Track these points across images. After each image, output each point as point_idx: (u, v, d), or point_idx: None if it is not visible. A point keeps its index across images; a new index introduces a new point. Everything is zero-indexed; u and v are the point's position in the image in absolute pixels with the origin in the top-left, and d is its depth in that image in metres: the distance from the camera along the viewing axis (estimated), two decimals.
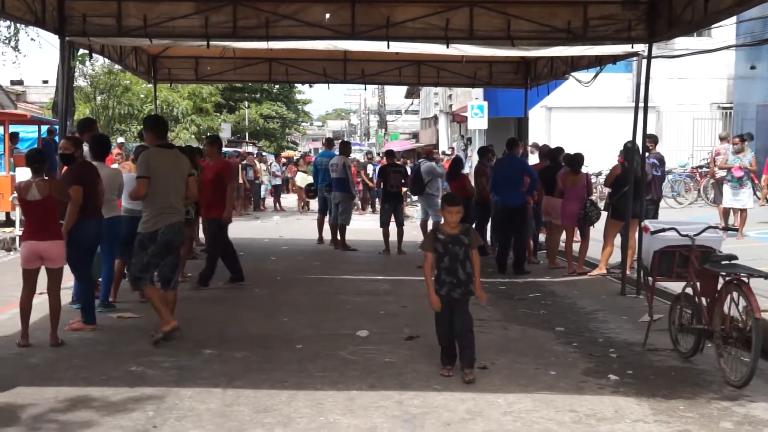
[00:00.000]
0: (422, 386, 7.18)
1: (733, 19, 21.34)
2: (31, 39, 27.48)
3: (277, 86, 55.07)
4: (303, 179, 29.94)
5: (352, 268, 15.10)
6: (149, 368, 7.74)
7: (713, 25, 18.66)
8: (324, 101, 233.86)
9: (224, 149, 37.22)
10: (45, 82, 48.15)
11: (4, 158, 20.14)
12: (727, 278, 7.47)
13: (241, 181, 28.77)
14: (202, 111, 37.03)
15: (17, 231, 17.13)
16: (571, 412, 6.53)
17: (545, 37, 12.05)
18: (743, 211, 16.99)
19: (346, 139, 30.81)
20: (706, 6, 9.98)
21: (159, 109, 27.73)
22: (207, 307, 10.94)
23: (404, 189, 18.16)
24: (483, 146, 18.08)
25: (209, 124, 38.02)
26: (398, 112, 79.72)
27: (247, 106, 55.62)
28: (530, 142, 21.82)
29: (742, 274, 7.33)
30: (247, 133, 57.49)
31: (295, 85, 50.34)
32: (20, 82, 47.65)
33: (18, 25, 24.60)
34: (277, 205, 32.41)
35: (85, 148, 10.11)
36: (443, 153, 35.39)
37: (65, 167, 9.60)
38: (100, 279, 10.38)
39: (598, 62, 13.89)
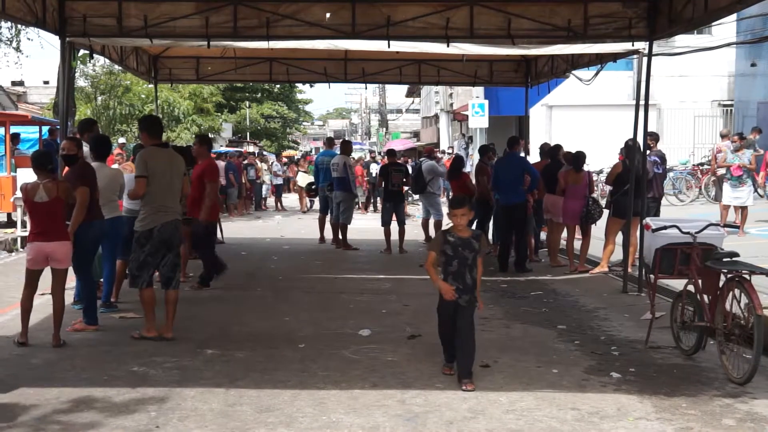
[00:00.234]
0: (424, 385, 7.18)
1: (734, 16, 21.35)
2: (29, 38, 27.44)
3: (277, 86, 55.09)
4: (304, 179, 29.94)
5: (354, 267, 15.11)
6: (151, 368, 7.75)
7: (714, 23, 18.67)
8: (325, 101, 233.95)
9: (226, 149, 37.49)
10: (46, 82, 48.16)
11: (5, 159, 20.13)
12: (729, 275, 7.47)
13: (242, 180, 28.86)
14: (203, 111, 37.01)
15: (19, 232, 17.14)
16: (573, 410, 6.53)
17: (546, 35, 12.06)
18: (744, 208, 16.98)
19: (347, 139, 30.82)
20: (706, 3, 9.98)
21: (160, 109, 27.72)
22: (209, 307, 10.94)
23: (405, 188, 18.15)
24: (484, 145, 18.08)
25: (210, 124, 38.00)
26: (399, 111, 79.75)
27: (248, 105, 55.62)
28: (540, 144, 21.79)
29: (743, 271, 7.33)
30: (248, 133, 57.50)
31: (296, 84, 50.39)
32: (21, 83, 47.66)
33: (18, 25, 24.59)
34: (279, 204, 32.43)
35: (85, 148, 10.11)
36: (442, 152, 35.36)
37: (66, 168, 9.61)
38: (101, 280, 10.39)
39: (599, 60, 13.89)
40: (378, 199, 27.67)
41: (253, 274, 14.13)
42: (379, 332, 9.33)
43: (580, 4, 11.82)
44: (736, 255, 7.77)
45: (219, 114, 43.72)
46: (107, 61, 20.24)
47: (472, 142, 36.80)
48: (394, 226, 16.99)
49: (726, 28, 23.95)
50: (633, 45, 11.91)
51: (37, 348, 8.46)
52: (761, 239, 15.64)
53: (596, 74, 14.62)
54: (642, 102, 11.89)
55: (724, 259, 7.72)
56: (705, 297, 7.89)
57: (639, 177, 12.18)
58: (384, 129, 75.91)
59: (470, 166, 27.41)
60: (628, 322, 9.98)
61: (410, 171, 19.06)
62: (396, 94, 75.70)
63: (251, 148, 44.69)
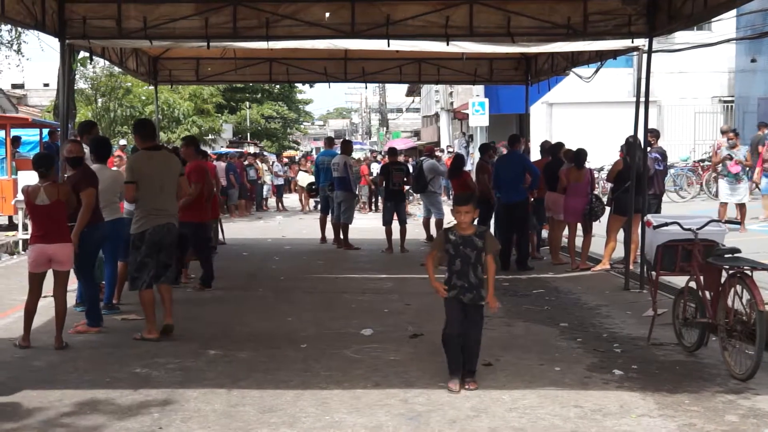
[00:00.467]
0: (427, 384, 7.18)
1: (733, 12, 21.38)
2: (24, 42, 27.37)
3: (277, 86, 55.09)
4: (305, 179, 29.95)
5: (356, 266, 15.11)
6: (154, 370, 7.75)
7: (713, 19, 18.67)
8: (325, 100, 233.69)
9: (226, 150, 37.51)
10: (46, 85, 48.20)
11: (6, 162, 20.13)
12: (731, 271, 7.46)
13: (243, 181, 28.86)
14: (204, 112, 37.02)
15: (20, 235, 17.14)
16: (576, 408, 6.53)
17: (545, 33, 12.06)
18: (742, 205, 17.00)
19: (347, 138, 30.81)
20: None
21: (160, 110, 27.74)
22: (211, 308, 10.95)
23: (406, 187, 18.16)
24: (484, 143, 18.09)
25: (210, 125, 38.02)
26: (399, 111, 79.73)
27: (248, 106, 55.63)
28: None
29: (745, 267, 7.33)
30: (248, 134, 57.52)
31: (296, 84, 50.45)
32: (21, 86, 47.70)
33: (18, 28, 24.59)
34: (280, 204, 32.43)
35: (86, 150, 10.12)
36: (441, 150, 35.33)
37: (67, 171, 9.62)
38: (103, 282, 10.39)
39: (599, 57, 13.88)
40: (379, 198, 27.67)
41: (254, 274, 14.14)
42: (381, 332, 9.33)
43: (580, 2, 11.82)
44: (738, 251, 7.77)
45: (219, 115, 43.74)
46: (107, 63, 20.24)
47: (472, 140, 36.80)
48: (395, 225, 16.99)
49: (726, 24, 23.98)
50: (633, 42, 11.90)
51: (40, 350, 8.46)
52: (763, 235, 15.63)
53: (596, 71, 14.61)
54: (642, 99, 11.87)
55: (726, 256, 7.72)
56: (707, 293, 7.89)
57: (640, 174, 12.16)
58: (384, 128, 75.90)
59: (471, 165, 27.42)
60: (630, 319, 9.98)
61: (411, 170, 19.05)
62: (396, 93, 75.80)
63: (252, 149, 44.70)
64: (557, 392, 6.94)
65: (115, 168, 12.35)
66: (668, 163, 16.40)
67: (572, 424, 6.16)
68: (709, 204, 21.35)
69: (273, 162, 35.88)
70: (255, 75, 18.38)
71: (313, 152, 63.65)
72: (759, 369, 7.03)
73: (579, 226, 14.18)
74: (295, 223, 25.14)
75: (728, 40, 22.45)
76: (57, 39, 11.64)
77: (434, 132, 52.30)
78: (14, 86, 47.41)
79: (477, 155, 20.10)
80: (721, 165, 17.56)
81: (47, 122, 23.53)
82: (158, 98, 21.13)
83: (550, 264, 14.59)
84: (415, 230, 18.88)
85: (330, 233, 18.32)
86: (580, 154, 14.06)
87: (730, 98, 30.91)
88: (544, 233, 16.01)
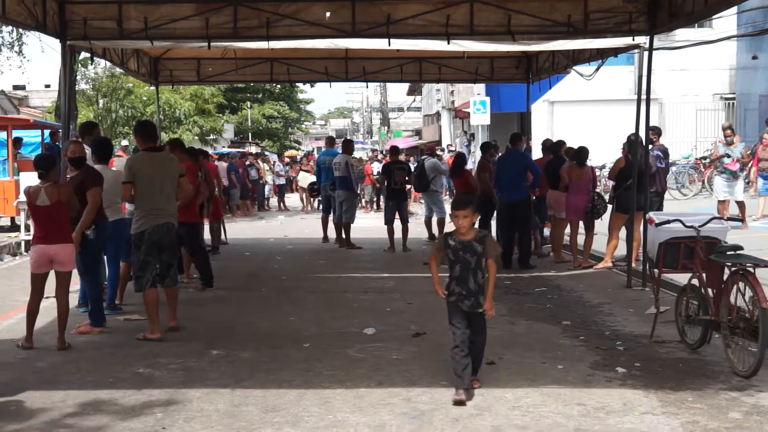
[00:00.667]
0: (430, 382, 7.17)
1: (734, 9, 21.28)
2: (25, 43, 27.28)
3: (278, 86, 55.09)
4: (305, 179, 29.95)
5: (358, 266, 15.11)
6: (157, 370, 7.75)
7: (714, 16, 18.62)
8: (326, 100, 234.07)
9: (227, 150, 37.51)
10: (47, 86, 48.20)
11: (8, 163, 20.14)
12: (733, 269, 7.46)
13: (245, 181, 28.86)
14: (205, 112, 37.04)
15: (23, 236, 17.15)
16: (579, 406, 6.53)
17: (546, 31, 12.06)
18: (740, 202, 17.04)
19: (348, 138, 30.80)
20: None
21: (161, 111, 27.74)
22: (213, 308, 10.95)
23: (408, 186, 18.15)
24: (485, 142, 18.08)
25: (212, 125, 38.04)
26: (401, 110, 79.70)
27: (249, 106, 55.64)
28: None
29: (747, 264, 7.32)
30: (250, 134, 57.53)
31: (297, 84, 50.45)
32: (22, 87, 47.70)
33: (19, 29, 24.59)
34: (282, 204, 32.44)
35: (87, 151, 10.13)
36: (442, 149, 35.31)
37: (69, 171, 9.64)
38: (105, 282, 10.40)
39: (600, 55, 13.87)
40: (381, 197, 27.66)
41: (256, 274, 14.14)
42: (383, 331, 9.33)
43: (580, 0, 11.81)
44: (740, 248, 7.76)
45: (220, 115, 43.77)
46: (109, 64, 20.25)
47: (474, 139, 36.80)
48: (397, 224, 16.99)
49: (726, 21, 23.95)
50: (634, 39, 11.90)
51: (43, 351, 8.47)
52: (764, 232, 15.63)
53: (597, 69, 14.60)
54: (644, 96, 11.86)
55: (728, 253, 7.71)
56: (709, 291, 7.88)
57: (642, 171, 12.16)
58: (386, 127, 75.89)
59: (472, 164, 27.41)
60: (633, 316, 9.97)
61: (412, 169, 19.05)
62: (397, 92, 75.86)
63: (253, 149, 44.70)
64: (560, 390, 6.94)
65: (115, 168, 12.36)
66: (670, 161, 16.38)
67: (575, 422, 6.16)
68: (711, 201, 21.30)
69: (274, 162, 35.88)
70: (256, 75, 18.39)
71: (315, 152, 63.68)
72: (762, 366, 7.01)
73: (581, 224, 14.18)
74: (296, 223, 25.14)
75: (729, 37, 22.41)
76: (58, 40, 11.65)
77: (435, 131, 52.31)
78: (16, 87, 47.42)
79: (478, 154, 20.09)
80: (717, 162, 17.59)
81: (49, 123, 23.54)
82: (159, 99, 21.12)
83: (552, 262, 14.58)
84: (417, 229, 18.89)
85: (332, 232, 18.33)
86: (582, 152, 14.06)
87: (731, 95, 30.90)
88: (546, 231, 16.00)
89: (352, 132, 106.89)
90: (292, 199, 33.79)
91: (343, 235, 17.69)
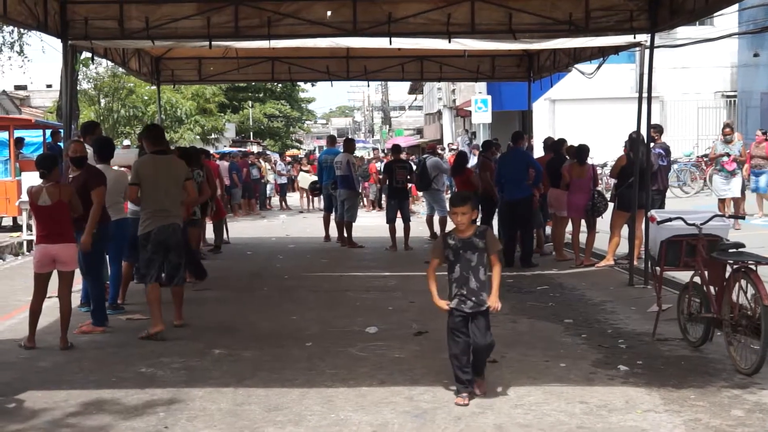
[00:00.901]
0: (432, 381, 7.17)
1: (735, 7, 21.29)
2: (27, 44, 27.29)
3: (280, 85, 55.09)
4: (305, 179, 29.93)
5: (360, 265, 15.11)
6: (159, 369, 7.76)
7: (715, 14, 18.62)
8: (327, 99, 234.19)
9: (229, 149, 37.50)
10: (49, 86, 48.26)
11: (10, 163, 20.15)
12: (735, 266, 7.46)
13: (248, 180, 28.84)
14: (206, 111, 37.06)
15: (25, 236, 17.16)
16: (581, 404, 6.53)
17: (547, 29, 12.06)
18: (735, 199, 17.09)
19: (350, 137, 30.78)
20: None
21: (162, 110, 27.75)
22: (215, 308, 10.96)
23: (409, 184, 18.15)
24: (487, 140, 18.08)
25: (213, 125, 38.05)
26: (402, 108, 79.63)
27: (251, 105, 55.64)
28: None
29: (749, 262, 7.32)
30: (251, 133, 57.53)
31: (299, 83, 50.42)
32: (24, 87, 47.74)
33: (20, 29, 24.60)
34: (283, 203, 32.42)
35: (89, 151, 10.13)
36: (443, 149, 35.29)
37: (71, 171, 9.64)
38: (107, 282, 10.40)
39: (601, 53, 13.87)
40: (382, 196, 27.64)
41: (258, 273, 14.15)
42: (385, 329, 9.33)
43: None
44: (742, 246, 7.76)
45: (222, 114, 43.79)
46: (111, 63, 20.26)
47: (475, 137, 36.79)
48: (399, 222, 16.99)
49: (728, 19, 23.93)
50: (635, 37, 11.89)
51: (45, 351, 8.47)
52: (765, 230, 15.62)
53: (598, 67, 14.60)
54: (645, 94, 11.86)
55: (730, 250, 7.71)
56: (711, 288, 7.88)
57: (643, 169, 12.15)
58: (387, 126, 75.86)
59: (475, 159, 27.39)
60: (635, 314, 9.98)
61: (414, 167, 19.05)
62: (399, 91, 75.59)
63: (255, 148, 44.71)
64: (562, 388, 6.94)
65: (116, 168, 12.37)
66: (671, 159, 16.36)
67: (578, 420, 6.16)
68: (713, 199, 21.26)
69: (276, 161, 35.88)
70: (257, 74, 18.42)
71: (316, 151, 63.62)
72: (764, 363, 7.01)
73: (583, 222, 14.18)
74: (298, 222, 25.15)
75: (730, 35, 22.42)
76: (59, 40, 11.66)
77: (437, 129, 52.31)
78: (17, 87, 47.50)
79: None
80: (716, 161, 17.62)
81: (50, 123, 23.56)
82: (161, 98, 21.14)
83: (554, 260, 14.58)
84: (419, 228, 18.89)
85: (334, 231, 18.33)
86: (582, 150, 14.06)
87: (732, 93, 30.87)
88: (548, 229, 16.00)
89: (353, 131, 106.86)
90: (294, 198, 33.78)
91: (345, 234, 17.70)
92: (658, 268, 8.68)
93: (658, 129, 14.16)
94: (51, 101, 38.04)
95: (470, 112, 31.44)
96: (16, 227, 19.34)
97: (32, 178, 14.02)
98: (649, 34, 11.75)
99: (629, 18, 11.75)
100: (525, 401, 6.61)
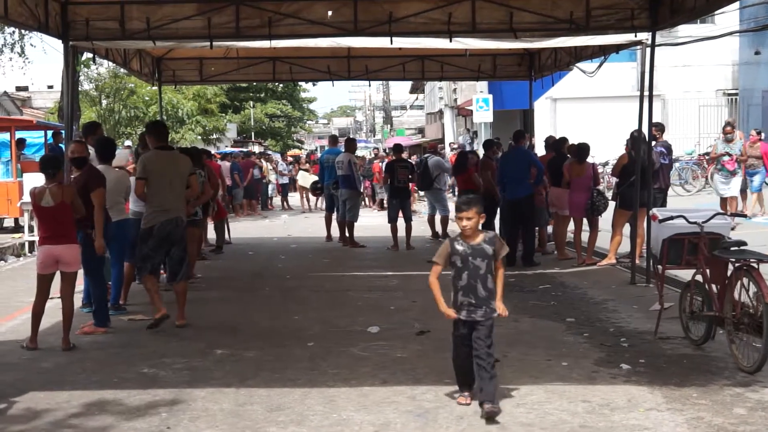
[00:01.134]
0: (434, 381, 7.17)
1: (736, 4, 21.31)
2: (32, 45, 27.39)
3: (281, 85, 55.11)
4: (305, 178, 29.91)
5: (361, 264, 15.11)
6: (161, 370, 7.76)
7: (716, 12, 18.62)
8: (329, 99, 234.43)
9: (230, 149, 37.48)
10: (50, 87, 48.28)
11: (11, 164, 20.16)
12: (737, 264, 7.45)
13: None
14: (207, 112, 37.08)
15: (26, 237, 17.17)
16: (584, 402, 6.53)
17: (548, 28, 12.06)
18: (733, 198, 17.10)
19: (351, 136, 30.76)
20: None
21: (164, 111, 27.76)
22: (217, 308, 10.96)
23: (411, 184, 18.14)
24: (488, 139, 18.07)
25: (215, 125, 38.06)
26: (403, 108, 79.63)
27: (252, 105, 55.65)
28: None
29: (751, 260, 7.31)
30: (252, 133, 57.54)
31: (300, 83, 50.44)
32: (25, 88, 47.76)
33: (21, 30, 24.63)
34: (285, 203, 32.41)
35: (91, 151, 10.15)
36: (442, 147, 35.25)
37: (73, 171, 9.66)
38: (109, 282, 10.41)
39: (602, 52, 13.86)
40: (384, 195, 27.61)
41: (260, 273, 14.15)
42: (387, 329, 9.33)
43: None
44: (744, 244, 7.75)
45: (223, 114, 43.80)
46: (111, 64, 20.28)
47: (477, 137, 36.78)
48: (400, 222, 16.99)
49: (729, 17, 23.92)
50: (636, 36, 11.89)
51: (47, 352, 8.48)
52: (767, 228, 15.60)
53: (599, 66, 14.60)
54: (646, 93, 11.87)
55: (732, 249, 7.70)
56: (713, 286, 7.88)
57: (645, 168, 12.14)
58: (389, 126, 75.86)
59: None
60: (637, 313, 9.97)
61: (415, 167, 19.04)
62: (400, 90, 75.56)
63: (256, 148, 44.71)
64: (565, 387, 6.94)
65: (118, 168, 12.38)
66: (673, 157, 16.36)
67: (580, 419, 6.16)
68: (715, 197, 21.26)
69: (277, 162, 35.89)
70: (258, 74, 18.42)
71: (318, 151, 63.63)
72: (767, 362, 7.02)
73: (585, 221, 14.17)
74: (300, 222, 25.15)
75: (731, 33, 22.40)
76: (61, 41, 11.66)
77: (438, 129, 52.28)
78: (19, 88, 47.51)
79: (481, 152, 20.07)
80: (716, 160, 17.63)
81: (52, 124, 23.56)
82: (162, 98, 21.16)
83: (556, 259, 14.57)
84: (421, 227, 18.89)
85: (335, 231, 18.33)
86: (582, 149, 14.05)
87: (734, 91, 30.86)
88: (550, 229, 15.99)
89: (355, 131, 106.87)
90: (296, 198, 33.77)
91: (347, 234, 17.70)
92: (660, 267, 8.68)
93: (660, 127, 14.14)
94: (52, 102, 38.07)
95: (471, 111, 31.44)
96: (17, 228, 19.34)
97: (33, 179, 14.06)
98: (650, 33, 11.75)
99: (630, 16, 11.75)
100: (527, 400, 6.60)
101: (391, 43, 11.97)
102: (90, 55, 13.45)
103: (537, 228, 15.15)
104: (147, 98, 31.61)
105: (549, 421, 6.13)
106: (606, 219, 13.94)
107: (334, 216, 18.45)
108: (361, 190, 20.41)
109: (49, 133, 21.55)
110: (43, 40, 38.06)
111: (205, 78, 18.41)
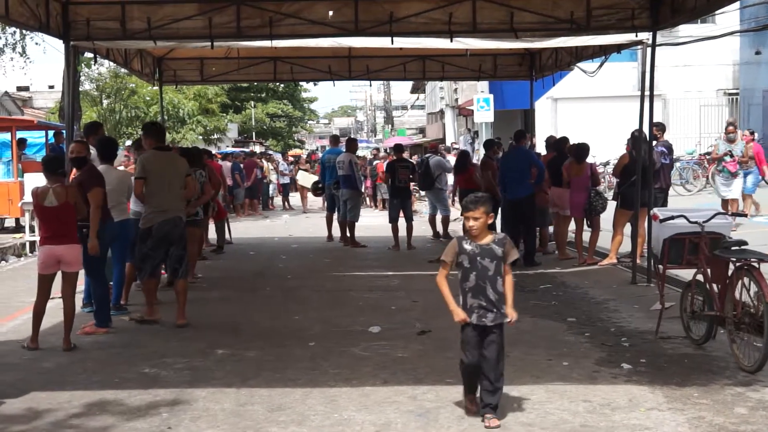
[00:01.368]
0: (435, 380, 7.17)
1: (737, 4, 21.32)
2: (36, 43, 27.45)
3: (282, 85, 55.08)
4: (305, 178, 29.90)
5: (362, 264, 15.11)
6: (162, 370, 7.76)
7: (717, 11, 18.61)
8: (330, 98, 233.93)
9: (231, 149, 37.47)
10: (51, 87, 48.27)
11: (12, 164, 20.16)
12: (738, 264, 7.45)
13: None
14: (208, 112, 37.07)
15: (27, 237, 17.18)
16: (585, 402, 6.52)
17: (549, 28, 12.06)
18: (734, 200, 17.11)
19: (352, 136, 30.75)
20: None
21: (165, 110, 27.76)
22: (218, 307, 10.97)
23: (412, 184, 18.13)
24: (488, 139, 18.08)
25: (216, 125, 38.06)
26: (404, 108, 79.66)
27: (253, 105, 55.64)
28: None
29: (752, 260, 7.31)
30: (254, 133, 57.52)
31: (301, 83, 50.42)
32: (26, 88, 47.75)
33: (23, 30, 24.64)
34: (286, 203, 32.40)
35: (93, 151, 10.16)
36: (446, 148, 35.23)
37: (73, 171, 9.66)
38: (111, 283, 10.41)
39: (603, 52, 13.87)
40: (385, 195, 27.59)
41: (261, 273, 14.15)
42: (388, 329, 9.33)
43: None
44: (745, 243, 7.75)
45: (224, 114, 43.78)
46: (112, 64, 20.28)
47: (477, 136, 36.78)
48: (401, 222, 16.99)
49: (729, 17, 23.92)
50: (636, 36, 11.89)
51: (48, 352, 8.48)
52: (767, 227, 15.62)
53: (600, 66, 14.60)
54: (647, 93, 11.87)
55: (733, 248, 7.70)
56: (714, 286, 7.88)
57: (646, 168, 12.14)
58: (389, 126, 75.88)
59: (476, 161, 27.38)
60: (638, 313, 9.97)
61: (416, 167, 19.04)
62: (401, 90, 75.62)
63: (257, 148, 44.70)
64: (566, 387, 6.94)
65: (121, 168, 12.41)
66: (674, 157, 16.36)
67: (581, 419, 6.16)
68: (716, 197, 21.28)
69: (278, 161, 35.87)
70: (259, 74, 18.43)
71: (318, 151, 63.62)
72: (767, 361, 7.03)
73: (586, 220, 14.18)
74: (301, 222, 25.15)
75: (732, 33, 22.38)
76: (61, 41, 11.67)
77: (439, 129, 52.30)
78: (20, 89, 47.50)
79: (482, 152, 20.07)
80: (717, 160, 17.63)
81: (53, 124, 23.57)
82: (163, 98, 21.16)
83: (557, 259, 14.57)
84: (422, 227, 18.89)
85: (336, 231, 18.33)
86: (581, 149, 14.05)
87: (735, 91, 30.86)
88: (551, 228, 15.99)
89: (355, 130, 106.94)
90: (297, 198, 33.75)
91: (348, 234, 17.70)
92: (660, 266, 8.68)
93: (661, 127, 14.15)
94: (53, 102, 38.07)
95: (472, 111, 31.41)
96: (18, 228, 19.35)
97: (34, 180, 14.07)
98: (651, 32, 11.76)
99: (631, 16, 11.75)
100: (528, 400, 6.60)
101: (392, 43, 11.98)
102: (91, 55, 13.42)
103: (538, 228, 15.14)
104: (148, 98, 31.61)
105: (550, 421, 6.13)
106: (607, 219, 13.94)
107: (335, 216, 18.45)
108: (362, 190, 20.40)
109: (50, 133, 21.58)
110: (44, 40, 38.03)
111: (206, 78, 18.43)
